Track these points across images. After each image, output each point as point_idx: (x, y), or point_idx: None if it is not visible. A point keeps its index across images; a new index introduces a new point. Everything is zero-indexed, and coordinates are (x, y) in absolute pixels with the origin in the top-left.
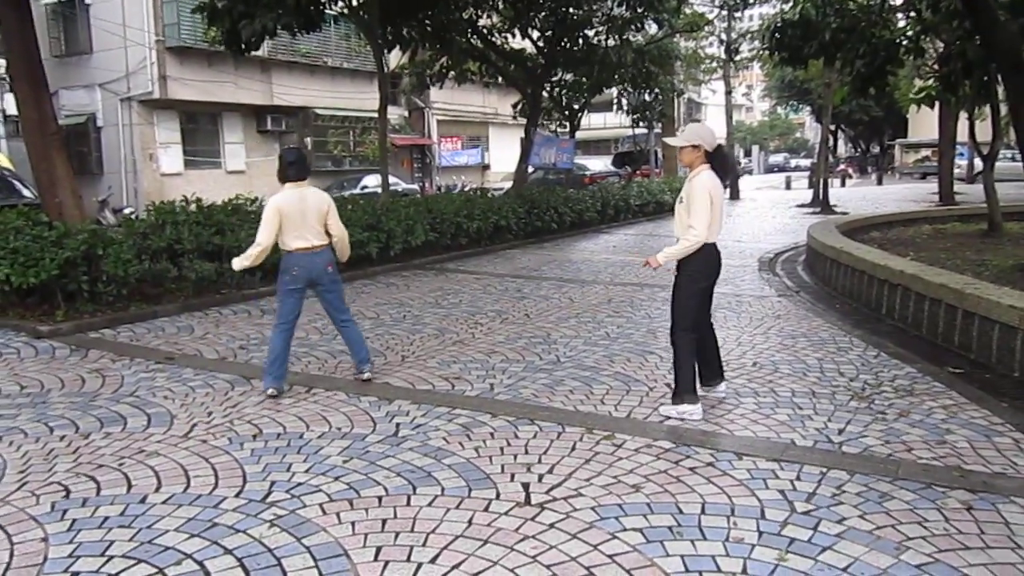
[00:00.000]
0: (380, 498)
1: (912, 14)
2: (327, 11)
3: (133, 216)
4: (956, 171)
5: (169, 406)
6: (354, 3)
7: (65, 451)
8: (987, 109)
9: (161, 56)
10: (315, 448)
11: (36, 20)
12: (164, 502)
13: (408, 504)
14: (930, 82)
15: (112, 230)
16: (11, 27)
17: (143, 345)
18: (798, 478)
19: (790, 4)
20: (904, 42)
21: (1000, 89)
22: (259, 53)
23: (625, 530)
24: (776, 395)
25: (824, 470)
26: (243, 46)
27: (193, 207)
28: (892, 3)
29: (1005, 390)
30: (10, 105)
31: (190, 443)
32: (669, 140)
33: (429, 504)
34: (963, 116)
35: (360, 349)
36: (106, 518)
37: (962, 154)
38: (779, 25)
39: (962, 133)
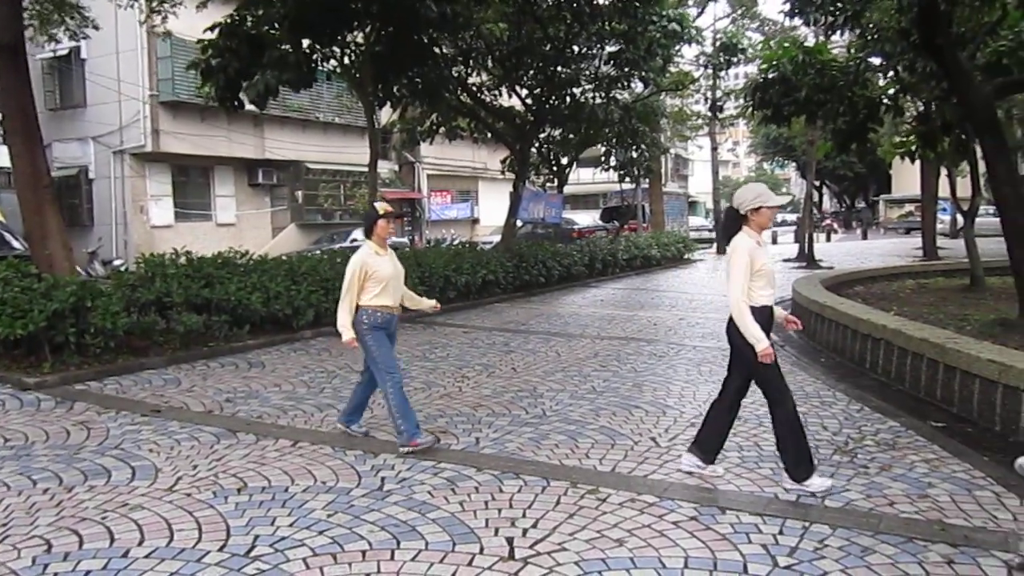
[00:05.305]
0: (364, 552)
1: (891, 74)
2: (320, 69)
3: (123, 268)
4: (939, 226)
5: (154, 459)
6: (346, 61)
7: (48, 504)
8: (967, 165)
9: (154, 110)
10: (300, 502)
11: (32, 74)
12: (147, 556)
13: (392, 559)
14: (910, 138)
15: (101, 282)
16: (8, 84)
17: (129, 398)
18: (781, 532)
19: (771, 64)
20: (884, 101)
21: (977, 147)
22: (251, 108)
23: None
24: (760, 449)
25: (807, 524)
26: (237, 103)
27: (183, 260)
28: (871, 63)
29: (986, 444)
30: (3, 157)
31: (174, 496)
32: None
33: (413, 559)
34: (944, 172)
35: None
36: (88, 572)
37: (945, 209)
38: (760, 83)
39: (944, 189)
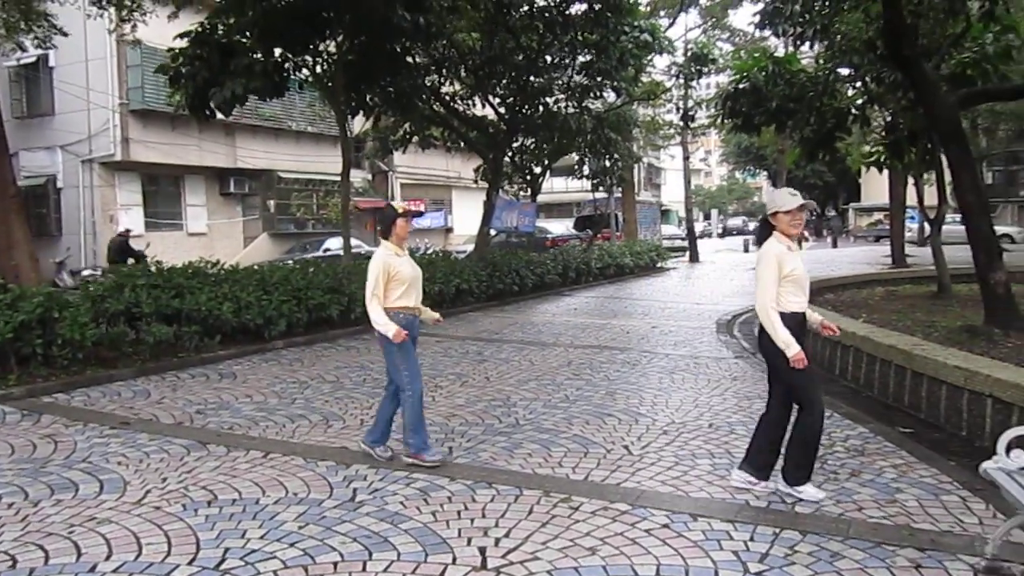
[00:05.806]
0: (336, 564)
1: (859, 84)
2: (292, 78)
3: (99, 274)
4: (908, 234)
5: (122, 472)
6: (318, 70)
7: (13, 519)
8: (933, 174)
9: (124, 119)
10: (271, 514)
11: None
12: (114, 571)
13: (364, 570)
14: (878, 147)
15: (69, 293)
16: None
17: (97, 410)
18: (752, 539)
19: (742, 74)
20: (852, 111)
21: (943, 156)
22: (223, 117)
23: None
24: (732, 456)
25: (777, 530)
26: (208, 111)
27: (152, 269)
28: (840, 74)
29: (953, 448)
30: None
31: (143, 510)
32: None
33: (384, 570)
34: (911, 181)
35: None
36: None
37: (913, 217)
38: (731, 93)
39: (912, 198)
